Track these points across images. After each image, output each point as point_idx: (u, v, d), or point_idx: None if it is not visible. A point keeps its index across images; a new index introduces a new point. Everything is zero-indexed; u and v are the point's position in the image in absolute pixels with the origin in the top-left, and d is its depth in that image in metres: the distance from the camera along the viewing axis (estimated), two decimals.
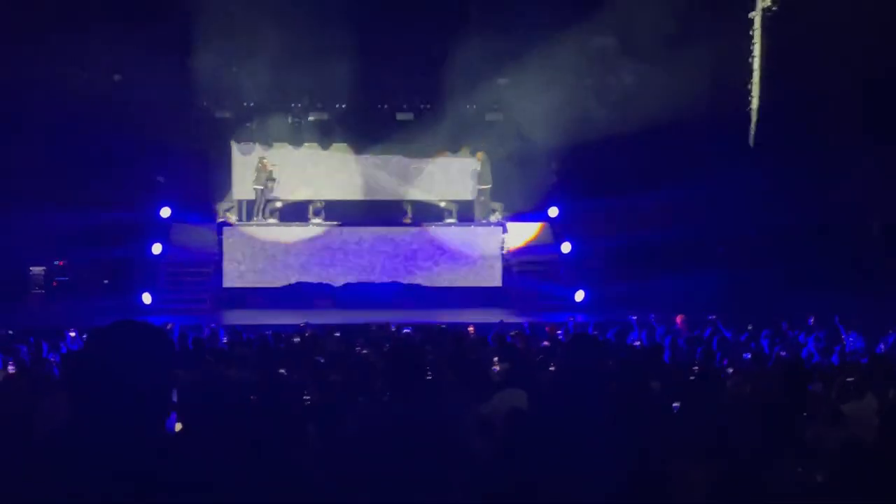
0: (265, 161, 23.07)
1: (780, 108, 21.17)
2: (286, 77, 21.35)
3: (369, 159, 24.24)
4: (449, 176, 24.50)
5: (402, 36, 21.16)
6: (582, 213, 22.21)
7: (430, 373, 7.36)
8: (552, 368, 9.29)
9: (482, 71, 21.71)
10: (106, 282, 21.35)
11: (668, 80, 19.62)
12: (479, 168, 23.26)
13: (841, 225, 20.22)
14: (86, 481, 2.67)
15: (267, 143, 23.71)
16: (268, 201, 23.13)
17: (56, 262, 23.24)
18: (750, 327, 14.22)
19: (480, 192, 23.25)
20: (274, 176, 23.09)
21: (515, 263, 22.64)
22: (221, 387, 7.07)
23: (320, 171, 24.07)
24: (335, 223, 22.72)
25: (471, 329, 15.21)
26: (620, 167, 21.30)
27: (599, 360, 5.83)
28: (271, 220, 23.02)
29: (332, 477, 4.74)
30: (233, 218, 23.26)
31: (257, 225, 22.78)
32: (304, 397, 7.04)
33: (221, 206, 23.58)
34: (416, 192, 24.20)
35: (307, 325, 15.50)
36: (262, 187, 22.88)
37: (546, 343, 12.89)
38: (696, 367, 9.72)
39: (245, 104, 23.06)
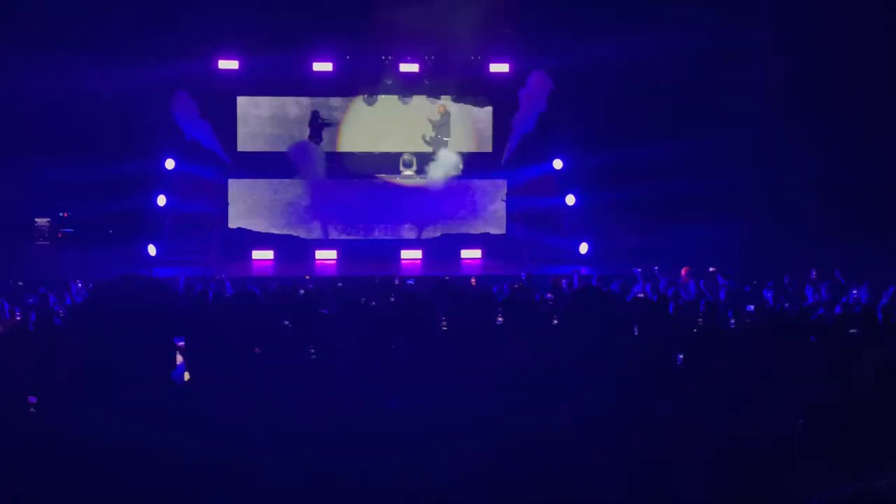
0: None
1: (786, 67, 21.00)
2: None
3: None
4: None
5: None
6: (587, 166, 22.12)
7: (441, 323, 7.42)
8: (556, 322, 9.31)
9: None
10: (111, 232, 21.35)
11: (675, 36, 19.62)
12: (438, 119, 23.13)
13: (843, 177, 20.11)
14: (93, 431, 2.70)
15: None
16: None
17: (61, 214, 23.25)
18: (754, 282, 14.25)
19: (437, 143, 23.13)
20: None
21: (518, 215, 22.65)
22: (227, 339, 7.10)
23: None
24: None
25: (472, 281, 15.25)
26: (625, 120, 21.19)
27: (606, 313, 5.85)
28: None
29: (336, 432, 4.78)
30: None
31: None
32: (310, 351, 7.06)
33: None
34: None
35: (311, 277, 15.56)
36: None
37: (549, 295, 12.92)
38: (700, 320, 9.76)
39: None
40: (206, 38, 21.71)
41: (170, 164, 21.97)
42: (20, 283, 13.41)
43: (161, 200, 21.55)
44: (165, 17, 20.55)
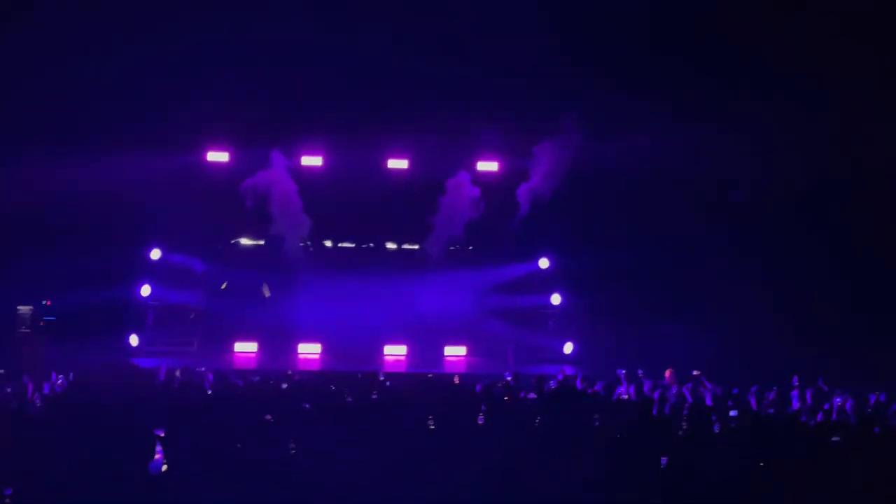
0: None
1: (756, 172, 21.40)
2: None
3: None
4: None
5: None
6: (572, 266, 22.23)
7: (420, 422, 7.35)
8: (538, 421, 9.24)
9: None
10: (93, 322, 21.21)
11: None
12: None
13: (814, 282, 20.42)
14: None
15: None
16: None
17: (43, 302, 23.12)
18: (736, 391, 14.18)
19: None
20: None
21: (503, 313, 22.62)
22: (208, 432, 7.02)
23: None
24: None
25: (455, 379, 15.17)
26: (609, 222, 21.44)
27: (585, 414, 5.83)
28: None
29: None
30: None
31: None
32: (290, 447, 6.99)
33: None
34: None
35: (294, 372, 15.47)
36: None
37: (533, 395, 12.84)
38: (685, 424, 9.69)
39: None
40: (194, 129, 21.97)
41: (155, 254, 21.95)
42: (1, 372, 13.24)
43: (145, 290, 21.48)
44: (153, 109, 20.80)
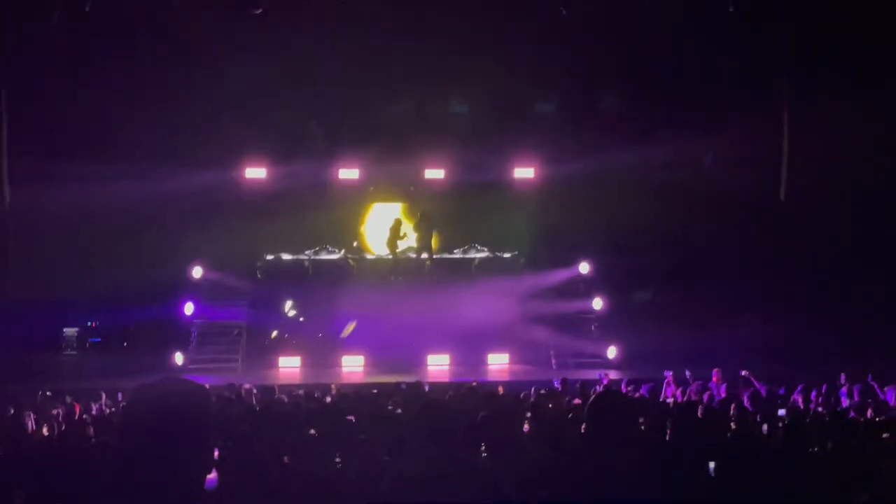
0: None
1: (809, 160, 21.15)
2: None
3: None
4: None
5: None
6: (615, 269, 22.16)
7: (462, 433, 7.31)
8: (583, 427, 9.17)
9: None
10: (138, 342, 21.41)
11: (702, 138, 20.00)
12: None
13: (874, 278, 20.10)
14: None
15: None
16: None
17: (89, 323, 23.42)
18: (783, 391, 14.02)
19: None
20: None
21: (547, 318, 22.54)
22: (254, 447, 7.06)
23: None
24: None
25: (500, 389, 15.12)
26: (651, 223, 21.33)
27: (629, 418, 5.76)
28: None
29: None
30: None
31: None
32: (336, 460, 7.01)
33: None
34: None
35: (338, 386, 15.54)
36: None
37: (578, 401, 12.77)
38: (733, 425, 9.59)
39: None
40: (234, 148, 22.25)
41: (197, 272, 22.18)
42: (48, 394, 13.40)
43: (188, 308, 21.68)
44: (194, 128, 21.09)
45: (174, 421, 2.79)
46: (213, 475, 5.69)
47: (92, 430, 10.02)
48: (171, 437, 2.75)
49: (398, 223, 23.35)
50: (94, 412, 12.61)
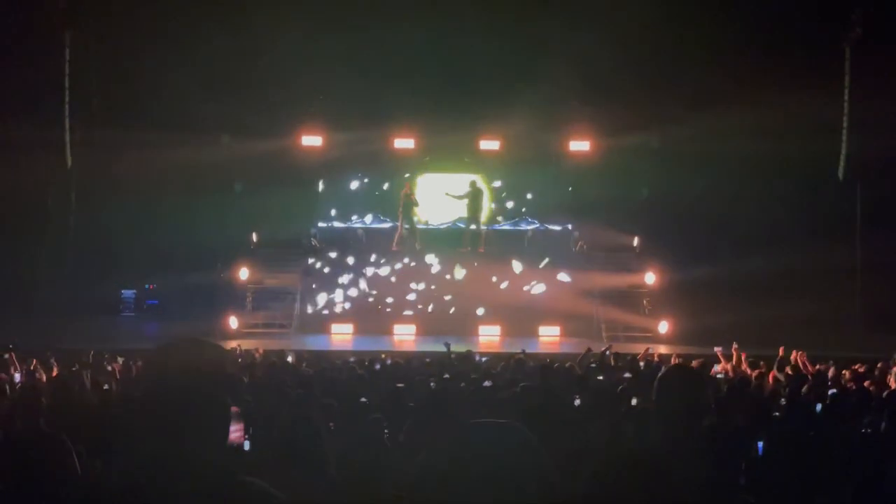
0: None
1: (867, 140, 20.79)
2: None
3: None
4: None
5: None
6: (667, 244, 22.00)
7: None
8: (634, 402, 9.12)
9: None
10: (193, 305, 21.73)
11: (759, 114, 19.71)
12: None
13: None
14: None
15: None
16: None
17: (146, 286, 23.78)
18: (830, 362, 13.82)
19: None
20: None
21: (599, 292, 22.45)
22: (303, 412, 7.13)
23: None
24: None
25: (548, 360, 15.07)
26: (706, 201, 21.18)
27: (699, 394, 5.70)
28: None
29: None
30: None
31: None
32: (384, 430, 7.06)
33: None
34: None
35: (387, 354, 15.66)
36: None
37: (628, 374, 12.69)
38: (784, 402, 9.50)
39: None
40: (290, 115, 22.41)
41: (253, 238, 22.45)
42: (105, 355, 13.63)
43: (244, 273, 21.91)
44: (252, 96, 21.25)
45: (188, 380, 2.80)
46: (239, 433, 5.76)
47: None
48: (183, 392, 2.77)
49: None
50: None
